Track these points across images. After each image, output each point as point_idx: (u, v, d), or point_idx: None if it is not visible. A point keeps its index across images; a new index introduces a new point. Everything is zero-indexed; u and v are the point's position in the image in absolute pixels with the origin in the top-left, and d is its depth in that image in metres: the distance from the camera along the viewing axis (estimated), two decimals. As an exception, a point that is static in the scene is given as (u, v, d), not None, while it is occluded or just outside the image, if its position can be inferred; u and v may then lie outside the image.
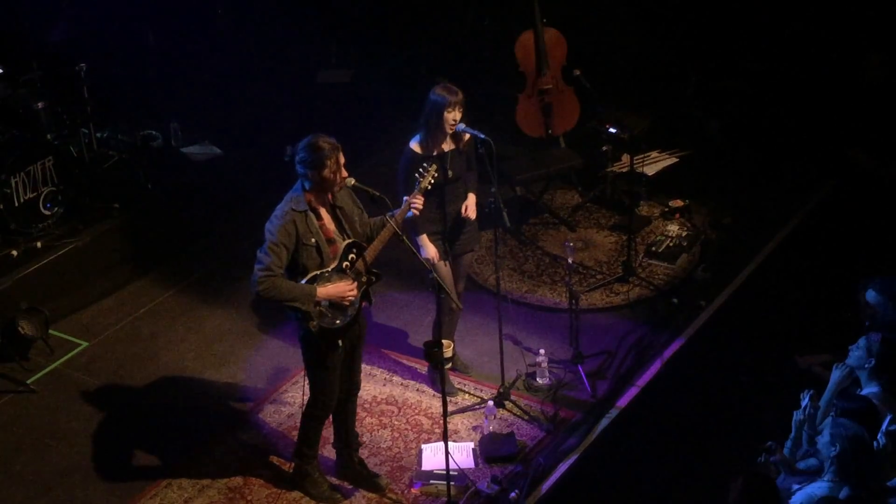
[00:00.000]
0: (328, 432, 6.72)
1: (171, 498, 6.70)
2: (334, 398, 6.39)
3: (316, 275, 5.99)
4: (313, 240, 5.97)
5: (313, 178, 5.93)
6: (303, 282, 5.97)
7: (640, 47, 10.76)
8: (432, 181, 6.35)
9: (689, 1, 10.57)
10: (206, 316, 8.37)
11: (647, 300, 8.29)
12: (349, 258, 6.08)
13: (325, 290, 6.00)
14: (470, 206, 7.09)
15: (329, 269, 6.02)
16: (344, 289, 6.05)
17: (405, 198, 6.23)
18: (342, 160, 5.96)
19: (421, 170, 6.29)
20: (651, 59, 10.68)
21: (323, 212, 6.05)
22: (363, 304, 6.27)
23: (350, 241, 6.10)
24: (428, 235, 7.02)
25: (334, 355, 6.20)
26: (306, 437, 6.52)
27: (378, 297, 8.37)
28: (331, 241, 6.05)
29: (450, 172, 6.95)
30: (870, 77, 9.98)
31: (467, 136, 6.94)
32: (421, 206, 6.27)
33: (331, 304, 6.05)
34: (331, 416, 6.59)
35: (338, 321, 6.10)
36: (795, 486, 5.55)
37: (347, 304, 6.09)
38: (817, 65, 10.20)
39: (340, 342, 6.18)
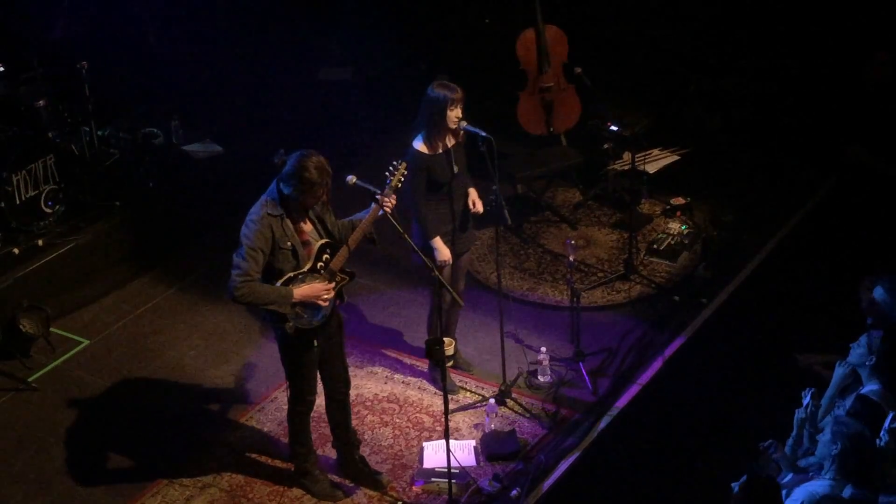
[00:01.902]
0: (328, 430, 6.73)
1: (172, 496, 6.70)
2: (314, 393, 6.44)
3: (290, 276, 5.99)
4: (289, 243, 5.96)
5: (293, 194, 5.91)
6: (278, 284, 5.97)
7: (641, 45, 10.76)
8: (402, 179, 6.25)
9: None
10: (207, 314, 8.37)
11: (648, 298, 8.29)
12: (323, 258, 6.09)
13: (301, 292, 6.00)
14: (476, 200, 7.07)
15: (304, 271, 6.03)
16: (319, 289, 6.05)
17: (377, 196, 6.05)
18: (329, 185, 5.92)
19: (391, 168, 6.24)
20: (652, 56, 10.68)
21: (298, 215, 6.04)
22: (336, 302, 6.27)
23: (324, 241, 6.10)
24: (440, 237, 6.97)
25: (310, 354, 6.23)
26: (295, 435, 6.55)
27: (379, 295, 8.42)
28: (305, 244, 6.05)
29: (455, 168, 6.92)
30: (874, 75, 9.97)
31: (462, 130, 6.90)
32: (393, 204, 6.13)
33: (306, 305, 6.05)
34: (328, 417, 6.64)
35: (313, 321, 6.11)
36: (796, 484, 5.55)
37: (323, 303, 6.10)
38: (819, 62, 10.20)
39: (315, 341, 6.20)
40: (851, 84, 10.04)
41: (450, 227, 7.02)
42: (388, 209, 6.03)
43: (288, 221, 5.97)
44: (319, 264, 6.08)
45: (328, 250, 6.11)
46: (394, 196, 6.10)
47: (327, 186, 5.92)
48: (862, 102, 9.90)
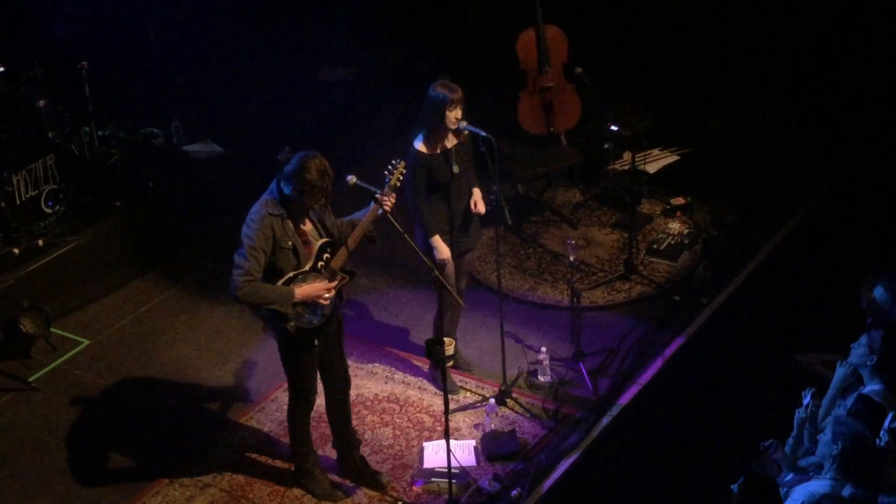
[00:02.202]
0: (329, 430, 6.73)
1: (172, 496, 6.70)
2: (314, 393, 6.44)
3: (291, 276, 6.00)
4: (290, 243, 5.97)
5: (293, 194, 5.91)
6: (279, 283, 5.98)
7: (641, 45, 10.75)
8: (401, 178, 6.25)
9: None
10: (207, 314, 8.38)
11: (648, 298, 8.29)
12: (323, 258, 6.10)
13: (303, 291, 6.01)
14: (478, 201, 7.06)
15: (304, 270, 6.04)
16: (320, 288, 6.06)
17: (377, 195, 6.07)
18: (329, 188, 5.92)
19: (389, 167, 6.25)
20: (652, 56, 10.68)
21: (298, 215, 6.04)
22: (336, 301, 6.28)
23: (324, 240, 6.11)
24: (439, 235, 6.98)
25: (310, 354, 6.24)
26: (296, 435, 6.55)
27: (380, 294, 8.42)
28: (306, 243, 6.06)
29: (455, 168, 6.92)
30: (874, 75, 9.97)
31: (466, 130, 6.90)
32: (392, 203, 6.12)
33: (307, 304, 6.06)
34: (328, 417, 6.64)
35: (314, 320, 6.12)
36: (796, 484, 5.55)
37: (324, 302, 6.11)
38: (819, 61, 10.20)
39: (316, 341, 6.20)
40: (852, 83, 10.04)
41: (448, 227, 7.02)
42: (387, 208, 6.04)
43: (289, 221, 5.97)
44: (320, 263, 6.09)
45: (328, 249, 6.12)
46: (393, 195, 6.10)
47: (327, 190, 5.92)
48: (862, 102, 9.90)
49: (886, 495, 5.34)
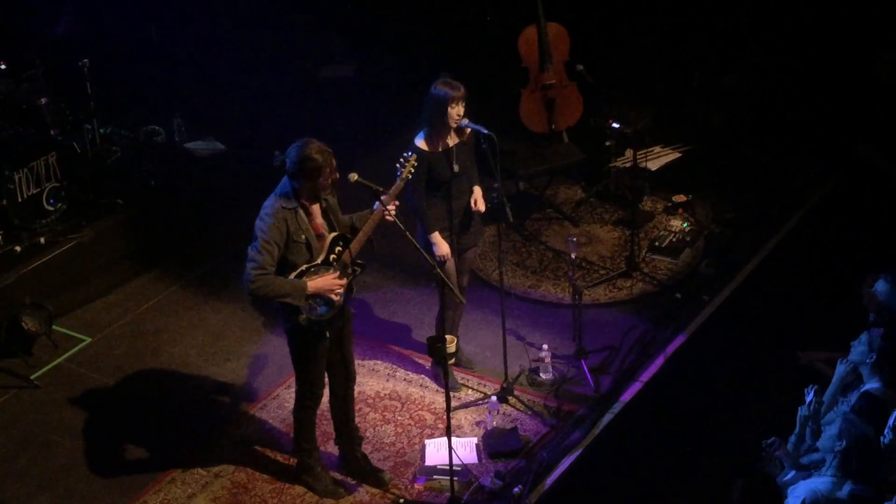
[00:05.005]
0: (331, 428, 6.73)
1: (174, 493, 6.71)
2: (322, 388, 6.45)
3: (304, 269, 6.02)
4: (303, 236, 5.99)
5: (305, 184, 5.93)
6: (292, 276, 5.99)
7: (643, 42, 10.75)
8: (412, 170, 6.30)
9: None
10: (209, 311, 8.38)
11: (650, 295, 8.29)
12: (335, 251, 6.12)
13: (315, 284, 6.03)
14: (479, 199, 7.07)
15: (317, 263, 6.06)
16: (332, 281, 6.08)
17: (381, 195, 6.09)
18: (334, 163, 5.96)
19: (402, 160, 6.27)
20: (654, 53, 10.67)
21: (312, 207, 6.06)
22: (346, 293, 6.29)
23: (336, 233, 6.14)
24: (439, 232, 6.99)
25: (320, 346, 6.25)
26: (301, 430, 6.55)
27: (382, 292, 8.42)
28: (319, 236, 6.08)
29: (456, 167, 6.93)
30: (880, 74, 9.96)
31: (469, 129, 6.92)
32: (394, 211, 6.12)
33: (319, 297, 6.07)
34: (331, 412, 6.64)
35: (326, 313, 6.14)
36: (798, 481, 5.56)
37: (336, 297, 6.12)
38: (822, 59, 10.19)
39: (327, 333, 6.21)
40: (859, 82, 10.03)
41: (447, 225, 7.02)
42: (389, 219, 6.07)
43: (302, 213, 5.99)
44: (332, 256, 6.11)
45: (341, 242, 6.14)
46: (395, 202, 6.13)
47: (333, 165, 5.93)
48: (869, 101, 9.88)
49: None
